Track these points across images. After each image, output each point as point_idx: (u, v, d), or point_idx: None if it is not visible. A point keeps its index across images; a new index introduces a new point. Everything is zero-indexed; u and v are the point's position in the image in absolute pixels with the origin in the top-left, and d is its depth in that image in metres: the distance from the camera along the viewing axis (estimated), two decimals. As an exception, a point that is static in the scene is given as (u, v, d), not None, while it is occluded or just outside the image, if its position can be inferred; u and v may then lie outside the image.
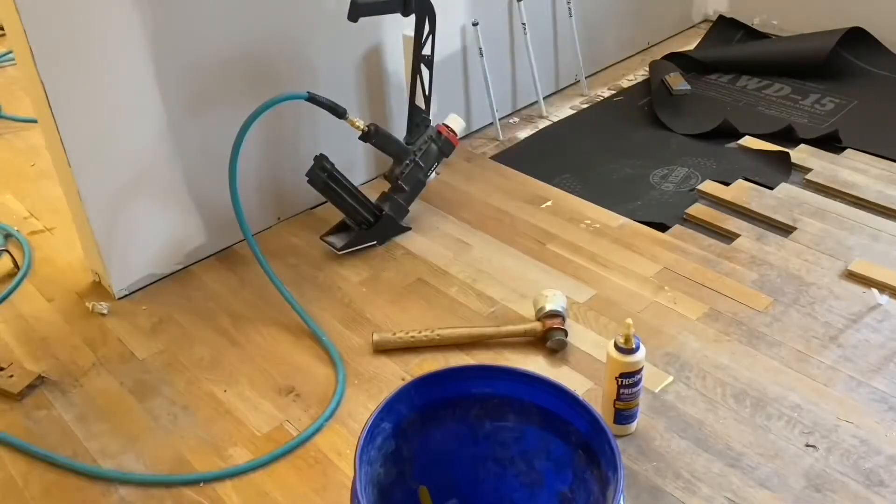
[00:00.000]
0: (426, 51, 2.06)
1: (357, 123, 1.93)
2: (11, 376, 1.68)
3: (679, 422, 1.53)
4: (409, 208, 2.10)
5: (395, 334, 1.72)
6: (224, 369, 1.71)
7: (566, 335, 1.71)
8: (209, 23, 1.83)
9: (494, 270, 1.96)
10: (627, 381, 1.45)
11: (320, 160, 1.93)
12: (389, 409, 1.14)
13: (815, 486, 1.40)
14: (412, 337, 1.71)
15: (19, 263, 2.03)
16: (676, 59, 2.94)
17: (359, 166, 2.26)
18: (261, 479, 1.46)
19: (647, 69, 2.93)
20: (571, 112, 2.72)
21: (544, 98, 2.70)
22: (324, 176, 1.93)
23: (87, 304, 1.89)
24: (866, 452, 1.46)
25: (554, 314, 1.73)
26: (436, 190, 2.28)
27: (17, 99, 2.83)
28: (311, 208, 2.20)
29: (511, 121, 2.66)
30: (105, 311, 1.87)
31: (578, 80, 2.85)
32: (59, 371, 1.71)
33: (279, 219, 2.15)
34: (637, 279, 1.91)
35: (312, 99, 1.86)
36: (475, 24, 2.39)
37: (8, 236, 2.14)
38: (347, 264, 2.00)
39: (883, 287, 1.80)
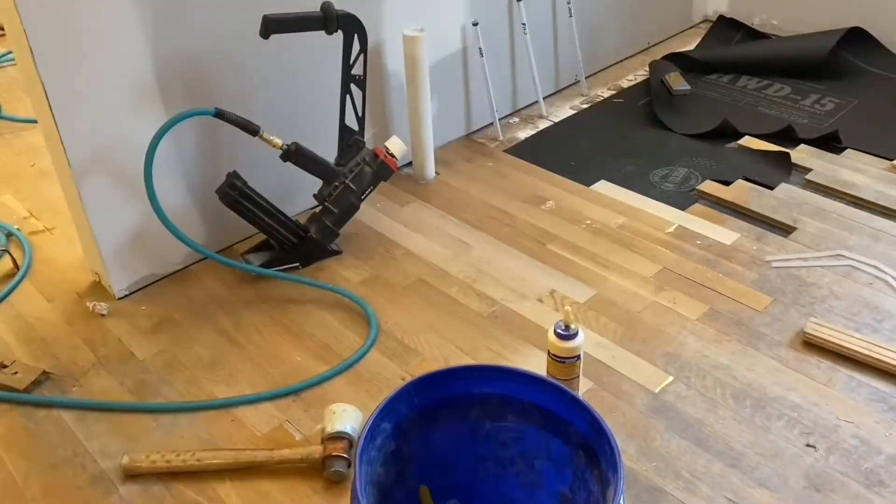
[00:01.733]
0: (357, 70, 1.97)
1: (274, 142, 1.86)
2: (16, 373, 1.68)
3: (679, 422, 1.53)
4: (340, 231, 2.02)
5: (148, 457, 1.47)
6: (224, 369, 1.71)
7: (349, 465, 1.42)
8: (209, 22, 1.83)
9: (494, 270, 1.96)
10: (558, 361, 1.49)
11: (231, 178, 1.84)
12: (389, 409, 1.14)
13: (815, 486, 1.40)
14: (167, 462, 1.46)
15: (19, 263, 2.03)
16: (676, 59, 2.95)
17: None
18: (261, 479, 1.46)
19: (647, 69, 2.93)
20: (571, 112, 2.72)
21: (544, 98, 2.70)
22: (234, 194, 1.84)
23: (87, 304, 1.89)
24: (866, 452, 1.46)
25: (339, 437, 1.45)
26: (436, 190, 2.29)
27: (17, 99, 2.83)
28: (311, 208, 2.19)
29: (511, 121, 2.66)
30: (105, 312, 1.87)
31: (578, 80, 2.85)
32: (60, 371, 1.71)
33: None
34: (637, 279, 1.91)
35: (220, 115, 1.78)
36: (475, 24, 2.39)
37: (9, 235, 2.14)
38: (347, 264, 2.00)
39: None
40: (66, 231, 2.10)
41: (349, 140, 2.04)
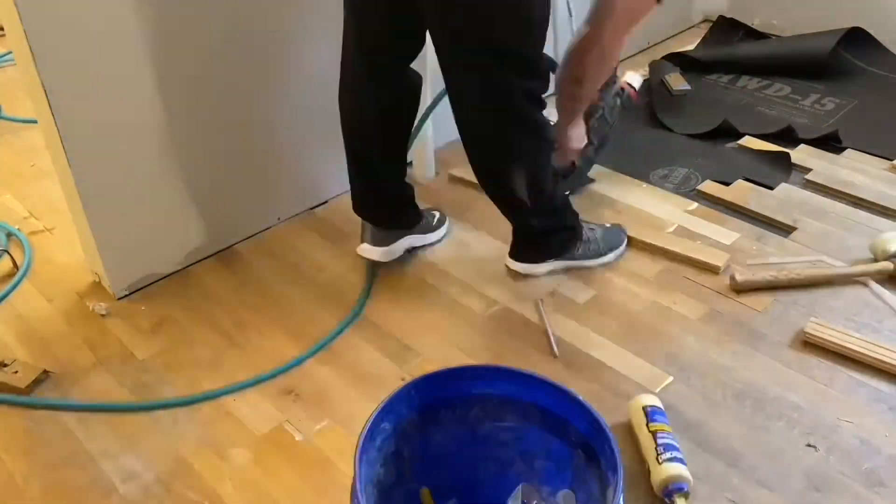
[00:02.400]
0: None
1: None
2: (16, 372, 1.68)
3: (679, 422, 1.53)
4: (595, 160, 2.22)
5: (754, 275, 1.84)
6: (224, 369, 1.71)
7: None
8: (209, 22, 1.82)
9: (495, 270, 1.96)
10: None
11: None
12: (389, 409, 1.14)
13: (815, 486, 1.40)
14: (772, 277, 1.83)
15: (19, 263, 2.03)
16: (676, 59, 2.95)
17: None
18: (261, 479, 1.46)
19: (647, 69, 2.93)
20: (571, 112, 2.71)
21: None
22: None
23: (87, 304, 1.89)
24: (866, 452, 1.46)
25: None
26: (436, 190, 2.29)
27: (17, 99, 2.83)
28: (311, 208, 2.20)
29: (511, 121, 2.65)
30: (105, 312, 1.87)
31: (578, 80, 2.85)
32: (59, 371, 1.71)
33: (279, 219, 2.15)
34: (637, 279, 1.91)
35: None
36: (475, 24, 2.38)
37: (9, 235, 2.14)
38: (348, 265, 2.00)
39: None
40: (66, 231, 2.10)
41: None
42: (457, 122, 1.69)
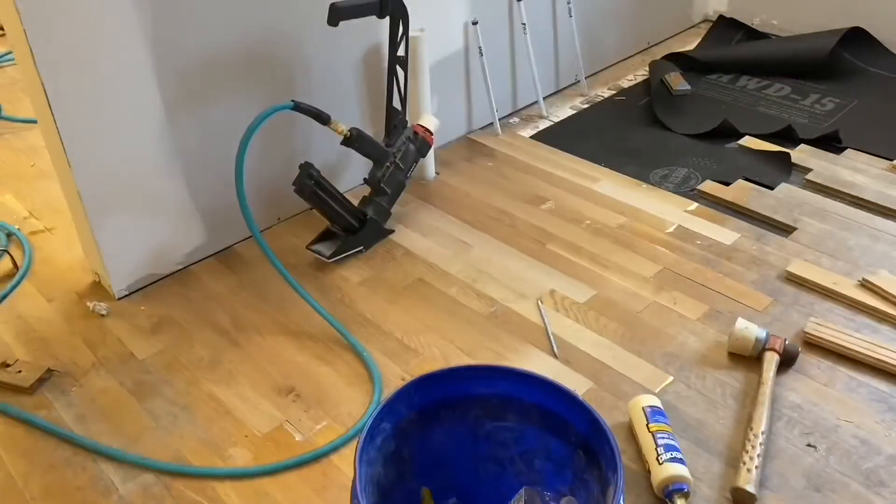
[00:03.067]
0: (401, 52, 2.06)
1: (340, 128, 1.93)
2: (20, 371, 1.68)
3: (679, 422, 1.53)
4: (392, 210, 2.10)
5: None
6: (224, 369, 1.71)
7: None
8: (208, 22, 1.83)
9: (494, 270, 1.96)
10: None
11: (306, 168, 1.91)
12: (389, 409, 1.14)
13: (815, 486, 1.40)
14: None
15: (19, 263, 2.03)
16: (676, 59, 2.95)
17: (351, 170, 2.25)
18: (261, 480, 1.46)
19: (647, 69, 2.93)
20: (571, 112, 2.72)
21: (544, 98, 2.70)
22: (311, 184, 1.90)
23: (87, 304, 1.89)
24: (866, 452, 1.46)
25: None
26: (436, 190, 2.29)
27: (17, 99, 2.83)
28: (311, 208, 2.19)
29: (511, 121, 2.66)
30: (105, 312, 1.87)
31: (578, 80, 2.85)
32: (60, 371, 1.71)
33: (279, 219, 2.15)
34: (637, 279, 1.91)
35: (298, 108, 1.86)
36: (475, 24, 2.39)
37: (10, 235, 2.14)
38: (347, 264, 2.00)
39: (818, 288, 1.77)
40: (66, 231, 2.10)
41: (395, 120, 2.12)
42: None
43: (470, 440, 1.24)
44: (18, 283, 1.98)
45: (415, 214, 2.18)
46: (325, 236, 2.05)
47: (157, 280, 1.97)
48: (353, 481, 1.03)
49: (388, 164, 2.06)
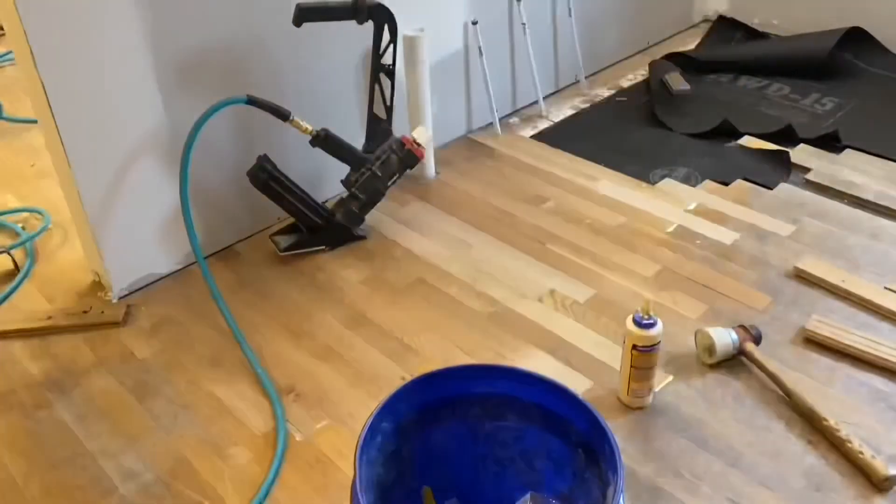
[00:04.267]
0: (386, 60, 2.03)
1: (304, 127, 1.90)
2: (103, 311, 1.82)
3: (679, 422, 1.53)
4: (365, 217, 2.07)
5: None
6: (224, 369, 1.71)
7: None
8: (208, 23, 1.83)
9: (495, 270, 1.96)
10: (644, 351, 1.50)
11: (261, 160, 1.90)
12: (389, 409, 1.14)
13: (815, 486, 1.40)
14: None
15: (19, 264, 2.03)
16: (676, 59, 2.95)
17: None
18: (261, 479, 1.46)
19: (647, 69, 2.93)
20: (571, 112, 2.72)
21: (544, 98, 2.70)
22: (264, 176, 1.90)
23: (87, 303, 1.89)
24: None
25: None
26: (436, 190, 2.29)
27: (17, 99, 2.83)
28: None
29: (511, 121, 2.65)
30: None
31: (578, 80, 2.85)
32: (60, 371, 1.71)
33: (279, 219, 2.15)
34: (637, 279, 1.91)
35: (253, 102, 1.84)
36: (475, 23, 2.39)
37: (17, 234, 2.14)
38: (347, 264, 2.00)
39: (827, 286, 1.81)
40: (66, 231, 2.10)
41: (377, 128, 2.09)
42: None
43: (470, 440, 1.24)
44: (20, 283, 1.98)
45: (415, 214, 2.18)
46: (290, 230, 2.07)
47: (157, 280, 1.97)
48: (354, 481, 1.03)
49: (363, 169, 2.02)
